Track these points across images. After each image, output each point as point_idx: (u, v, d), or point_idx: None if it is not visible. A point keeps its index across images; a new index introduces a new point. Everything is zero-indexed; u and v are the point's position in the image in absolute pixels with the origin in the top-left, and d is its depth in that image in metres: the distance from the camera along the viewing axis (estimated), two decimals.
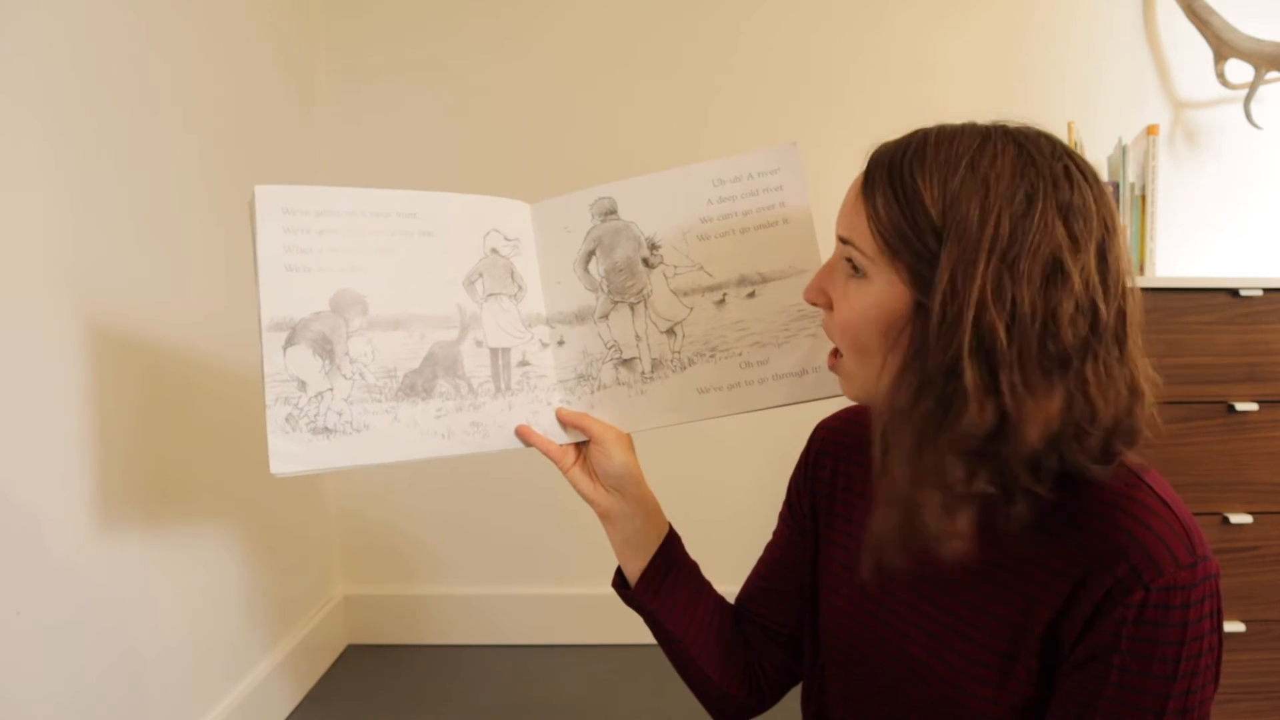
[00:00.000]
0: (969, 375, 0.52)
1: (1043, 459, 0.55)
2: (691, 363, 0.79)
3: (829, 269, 0.64)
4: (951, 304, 0.53)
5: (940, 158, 0.55)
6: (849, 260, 0.61)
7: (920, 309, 0.56)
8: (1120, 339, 0.55)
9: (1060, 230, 0.53)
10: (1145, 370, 0.57)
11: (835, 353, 0.66)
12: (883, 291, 0.58)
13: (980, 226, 0.53)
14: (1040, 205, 0.53)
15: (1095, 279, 0.53)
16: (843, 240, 0.61)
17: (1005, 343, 0.52)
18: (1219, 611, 0.55)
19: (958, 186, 0.54)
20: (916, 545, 0.57)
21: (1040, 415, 0.54)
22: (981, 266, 0.52)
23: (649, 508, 0.79)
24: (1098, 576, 0.54)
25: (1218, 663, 0.55)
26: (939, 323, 0.53)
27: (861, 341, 0.60)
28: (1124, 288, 0.56)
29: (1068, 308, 0.53)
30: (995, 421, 0.53)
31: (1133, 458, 0.58)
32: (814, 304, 0.66)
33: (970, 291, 0.52)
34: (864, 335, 0.60)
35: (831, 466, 0.77)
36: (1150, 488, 0.56)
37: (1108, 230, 0.55)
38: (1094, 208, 0.54)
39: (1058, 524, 0.57)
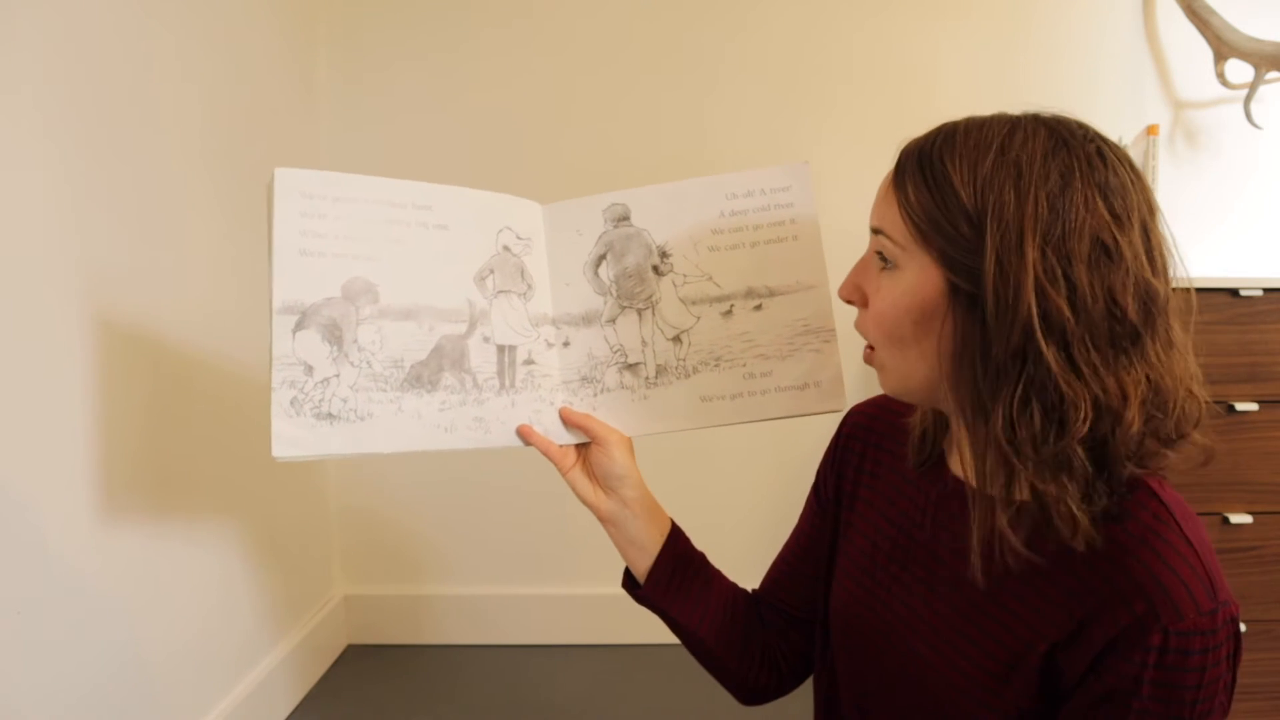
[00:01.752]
0: (1049, 356, 0.52)
1: (1139, 441, 0.54)
2: (696, 371, 0.80)
3: (863, 265, 0.64)
4: (1004, 288, 0.53)
5: (970, 143, 0.56)
6: (880, 253, 0.61)
7: (958, 295, 0.56)
8: (1170, 320, 0.56)
9: (1102, 207, 0.53)
10: (1190, 361, 0.57)
11: (869, 347, 0.66)
12: (915, 279, 0.58)
13: (1019, 208, 0.53)
14: (1077, 184, 0.53)
15: (1143, 256, 0.54)
16: (875, 231, 0.61)
17: (1074, 321, 0.52)
18: (1237, 651, 0.54)
19: (989, 170, 0.54)
20: (1056, 536, 0.55)
21: (1135, 394, 0.53)
22: (1029, 249, 0.52)
23: (649, 509, 0.79)
24: (1113, 611, 0.53)
25: (1230, 696, 0.55)
26: (996, 307, 0.53)
27: (897, 333, 0.60)
28: (1167, 270, 0.56)
29: (1125, 284, 0.53)
30: (1092, 403, 0.53)
31: (1167, 490, 0.57)
32: (849, 301, 0.66)
33: (1024, 274, 0.52)
34: (900, 326, 0.60)
35: (860, 451, 0.77)
36: (1178, 525, 0.55)
37: (1150, 211, 0.55)
38: (1131, 188, 0.54)
39: (1081, 546, 0.55)
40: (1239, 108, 1.77)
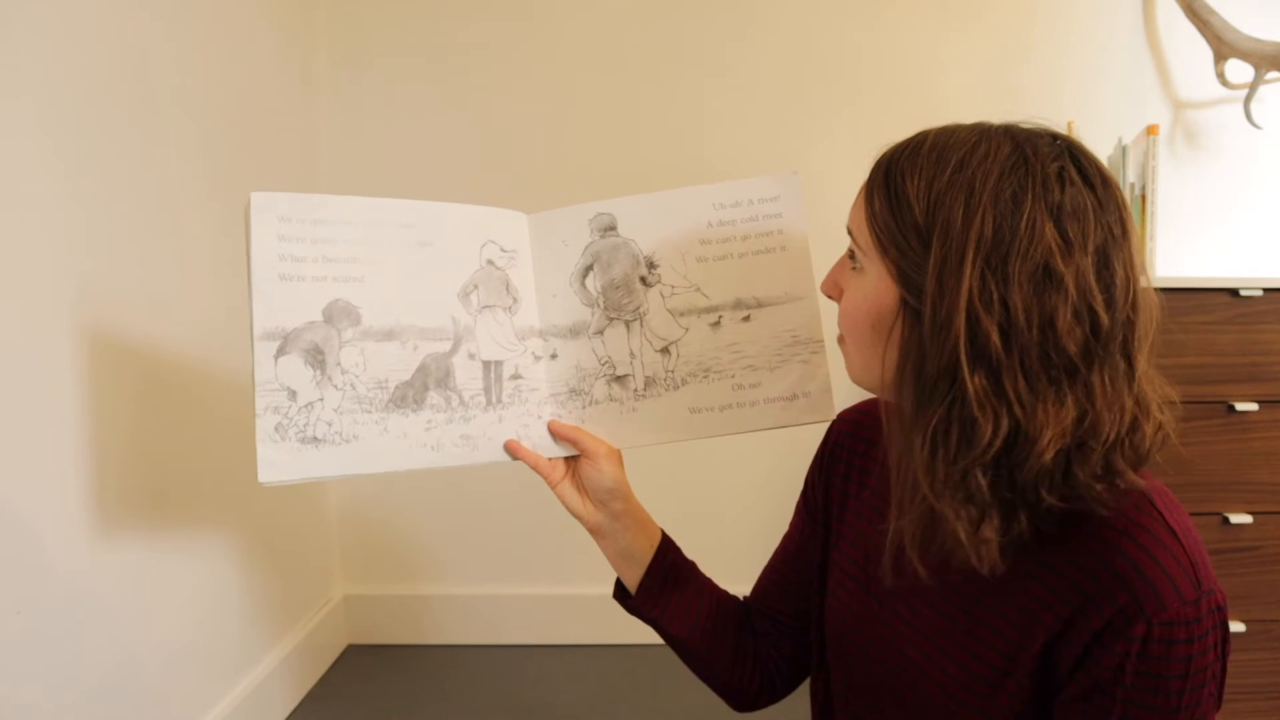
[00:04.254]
0: (970, 381, 0.51)
1: (1054, 473, 0.53)
2: (684, 383, 0.80)
3: (842, 262, 0.65)
4: (940, 306, 0.53)
5: (932, 158, 0.55)
6: (851, 254, 0.62)
7: (907, 308, 0.56)
8: (1128, 352, 0.54)
9: (1050, 231, 0.51)
10: (1157, 388, 0.56)
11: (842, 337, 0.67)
12: (873, 285, 0.59)
13: (964, 227, 0.52)
14: (1028, 206, 0.52)
15: (1093, 284, 0.52)
16: (849, 231, 0.62)
17: (1001, 348, 0.51)
18: (1224, 641, 0.54)
19: (943, 187, 0.54)
20: (944, 554, 0.56)
21: (1055, 426, 0.52)
22: (968, 268, 0.52)
23: (639, 520, 0.79)
24: (1098, 604, 0.53)
25: (1221, 688, 0.55)
26: (930, 325, 0.53)
27: (857, 332, 0.62)
28: (1133, 298, 0.54)
29: (1065, 313, 0.51)
30: (1010, 431, 0.52)
31: (1150, 480, 0.57)
32: (829, 295, 0.67)
33: (958, 294, 0.52)
34: (859, 326, 0.61)
35: (847, 460, 0.77)
36: (1161, 516, 0.54)
37: (1112, 236, 0.53)
38: (1092, 211, 0.53)
39: (1066, 545, 0.56)
40: (1239, 108, 1.77)
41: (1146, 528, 0.54)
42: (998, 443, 0.52)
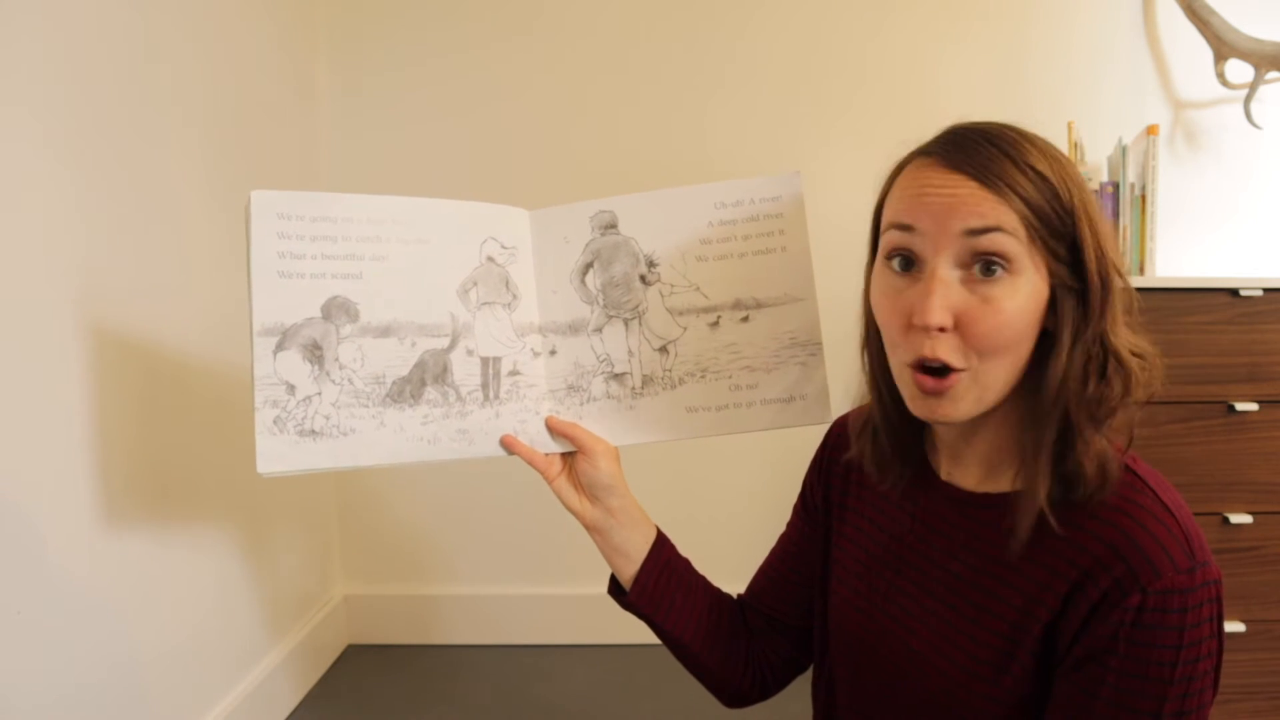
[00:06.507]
0: (1121, 330, 0.58)
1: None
2: (682, 382, 0.80)
3: (944, 284, 0.56)
4: (1099, 273, 0.57)
5: (1036, 144, 0.59)
6: (988, 261, 0.55)
7: (1063, 290, 0.58)
8: None
9: (1093, 197, 0.59)
10: None
11: (939, 375, 0.58)
12: (1032, 284, 0.56)
13: (1090, 203, 0.58)
14: (1080, 179, 0.59)
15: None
16: (985, 230, 0.55)
17: (1126, 295, 0.59)
18: (1219, 616, 0.55)
19: (1065, 168, 0.58)
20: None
21: (1150, 351, 0.59)
22: (1101, 238, 0.57)
23: (634, 517, 0.80)
24: (1095, 578, 0.55)
25: (1217, 668, 0.55)
26: (1099, 293, 0.57)
27: (1014, 343, 0.57)
28: None
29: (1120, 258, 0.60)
30: (1129, 366, 0.58)
31: (1144, 465, 0.59)
32: (944, 329, 0.56)
33: (1106, 259, 0.57)
34: (1018, 336, 0.57)
35: (846, 462, 0.77)
36: (1153, 492, 0.57)
37: None
38: None
39: (1063, 527, 0.57)
40: (1239, 108, 1.77)
41: (1140, 503, 0.56)
42: (1136, 378, 0.58)
